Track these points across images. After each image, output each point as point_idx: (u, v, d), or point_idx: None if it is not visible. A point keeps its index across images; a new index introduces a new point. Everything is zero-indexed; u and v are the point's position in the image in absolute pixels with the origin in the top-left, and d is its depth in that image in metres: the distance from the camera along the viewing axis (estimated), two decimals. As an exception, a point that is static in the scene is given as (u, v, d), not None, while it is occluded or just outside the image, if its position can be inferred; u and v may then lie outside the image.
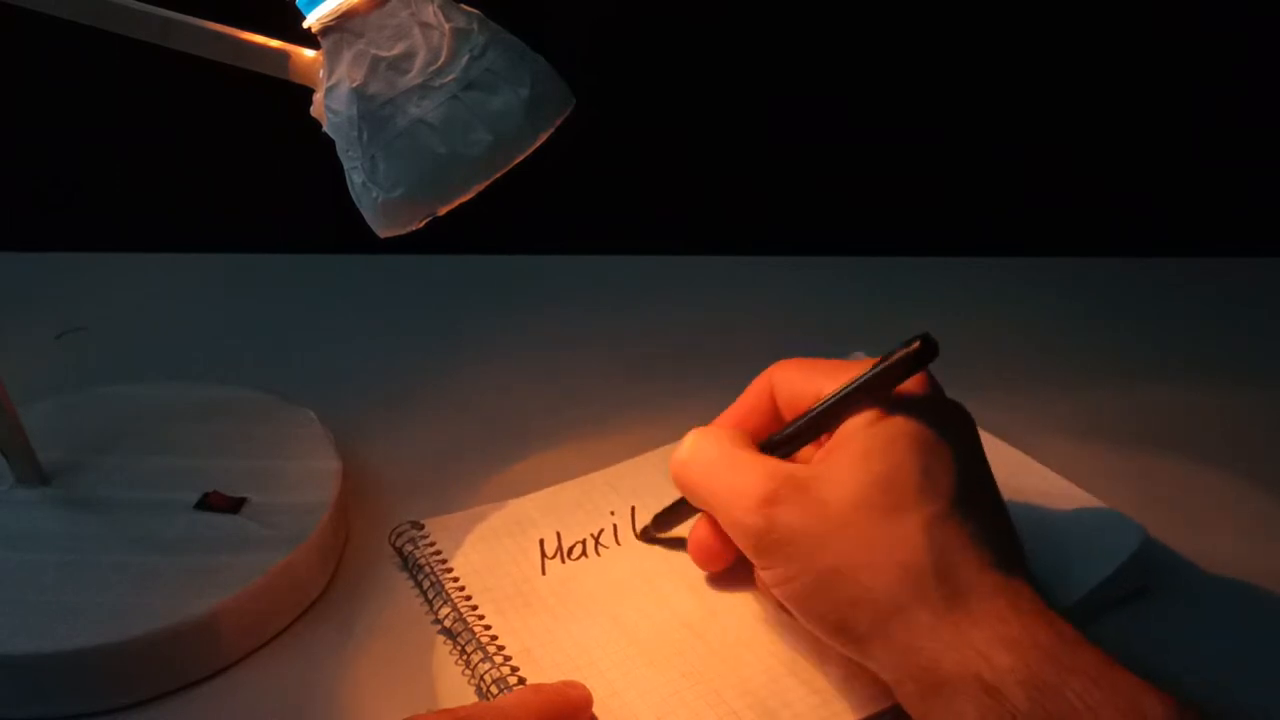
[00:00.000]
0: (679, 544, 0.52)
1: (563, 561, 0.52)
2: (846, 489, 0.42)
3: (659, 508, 0.55)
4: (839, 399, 0.45)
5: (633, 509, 0.55)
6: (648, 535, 0.54)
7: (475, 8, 0.47)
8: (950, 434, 0.44)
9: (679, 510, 0.52)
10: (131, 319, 0.75)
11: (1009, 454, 0.56)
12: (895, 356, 0.44)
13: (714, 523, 0.48)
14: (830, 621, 0.42)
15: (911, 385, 0.45)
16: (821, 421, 0.46)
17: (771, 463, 0.45)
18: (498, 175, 0.46)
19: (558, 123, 0.46)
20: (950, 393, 0.47)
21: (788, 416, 0.48)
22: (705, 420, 0.60)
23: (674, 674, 0.46)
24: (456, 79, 0.44)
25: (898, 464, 0.42)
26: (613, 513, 0.55)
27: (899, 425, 0.43)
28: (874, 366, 0.44)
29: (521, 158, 0.46)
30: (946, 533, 0.41)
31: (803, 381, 0.47)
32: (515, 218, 0.67)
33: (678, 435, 0.59)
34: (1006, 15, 0.76)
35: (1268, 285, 0.76)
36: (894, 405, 0.44)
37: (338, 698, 0.47)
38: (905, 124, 0.80)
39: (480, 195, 0.46)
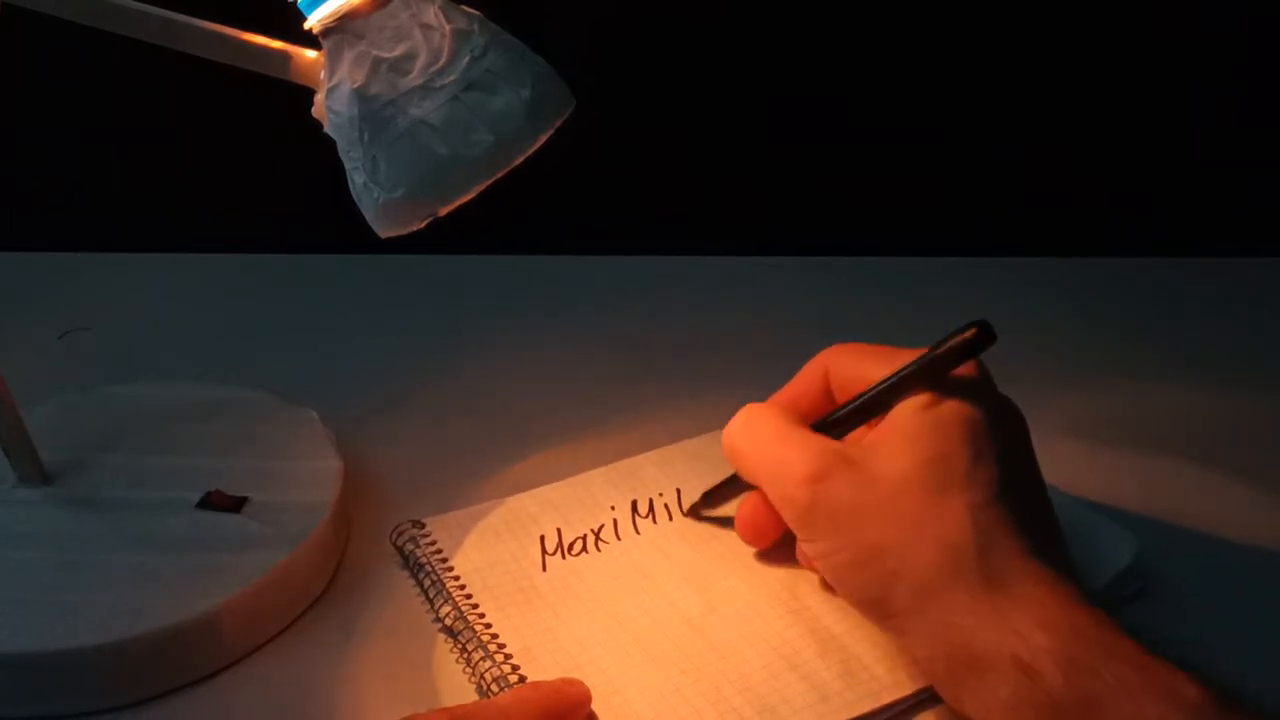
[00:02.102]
0: (723, 523, 0.54)
1: (563, 558, 0.52)
2: (895, 468, 0.43)
3: (659, 505, 0.55)
4: (892, 384, 0.46)
5: (678, 491, 0.56)
6: (695, 512, 0.54)
7: (475, 9, 0.47)
8: (999, 425, 0.45)
9: (728, 487, 0.53)
10: (132, 319, 0.75)
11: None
12: (950, 343, 0.44)
13: (762, 499, 0.49)
14: (869, 595, 0.43)
15: (964, 373, 0.45)
16: (873, 405, 0.46)
17: (822, 440, 0.46)
18: (498, 176, 0.46)
19: (558, 123, 0.47)
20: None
21: (840, 400, 0.49)
22: (706, 419, 0.61)
23: (674, 670, 0.46)
24: (457, 80, 0.44)
25: (947, 448, 0.43)
26: (613, 508, 0.55)
27: (951, 411, 0.44)
28: (928, 353, 0.45)
29: (522, 158, 0.46)
30: (990, 517, 0.42)
31: (856, 366, 0.48)
32: (515, 218, 0.67)
33: (678, 435, 0.60)
34: (1006, 15, 0.76)
35: (1268, 285, 0.77)
36: (946, 391, 0.44)
37: (338, 698, 0.47)
38: (905, 124, 0.80)
39: (480, 195, 0.46)
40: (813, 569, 0.48)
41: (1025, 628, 0.39)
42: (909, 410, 0.44)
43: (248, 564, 0.49)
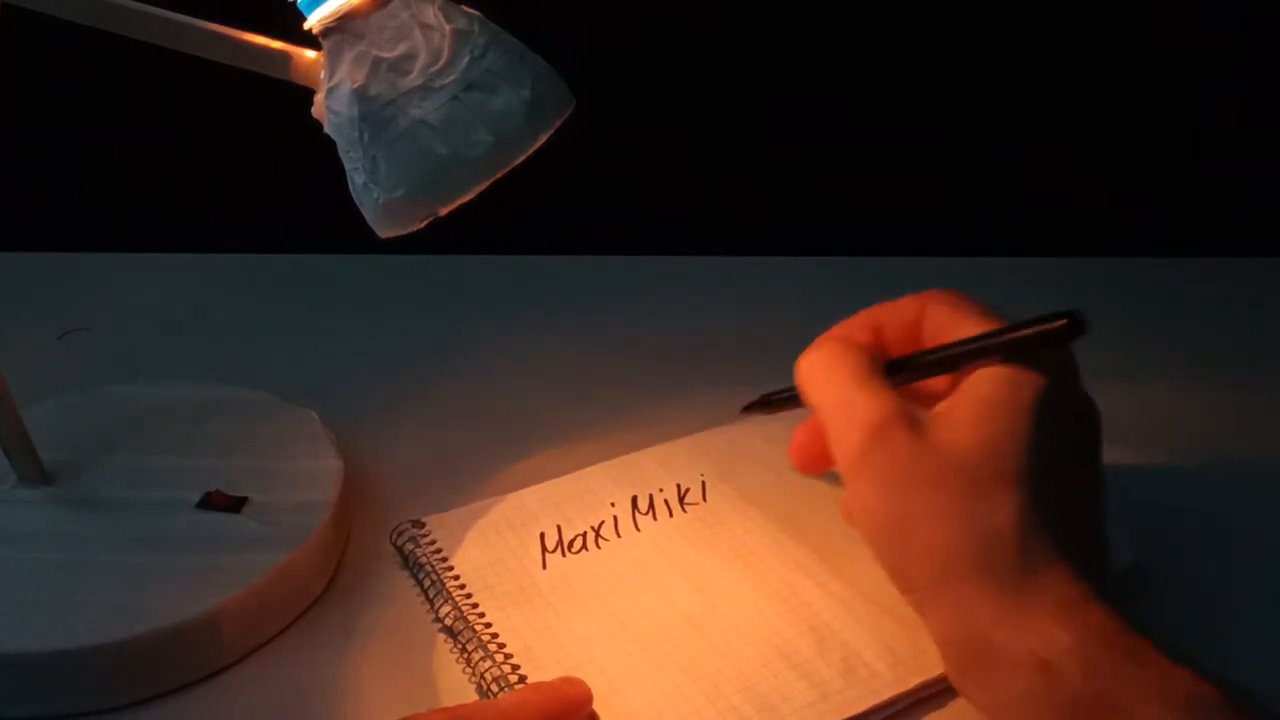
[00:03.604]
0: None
1: (563, 555, 0.52)
2: (957, 441, 0.42)
3: (660, 501, 0.55)
4: (975, 349, 0.44)
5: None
6: (750, 409, 0.55)
7: (475, 9, 0.47)
8: (1073, 423, 0.44)
9: (787, 400, 0.52)
10: (132, 319, 0.75)
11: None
12: (1039, 328, 0.43)
13: (818, 428, 0.47)
14: (897, 563, 0.42)
15: (1055, 359, 0.43)
16: (953, 361, 0.45)
17: (894, 395, 0.44)
18: (498, 176, 0.46)
19: (558, 123, 0.47)
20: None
21: (927, 343, 0.47)
22: (706, 418, 0.61)
23: (674, 669, 0.46)
24: (457, 80, 0.44)
25: (1014, 431, 0.41)
26: (613, 504, 0.55)
27: (1028, 394, 0.42)
28: (1017, 329, 0.43)
29: (522, 158, 0.46)
30: (1039, 515, 0.41)
31: (951, 317, 0.46)
32: (515, 218, 0.67)
33: (678, 434, 0.60)
34: (1006, 15, 0.76)
35: (1268, 285, 0.77)
36: (1031, 372, 0.43)
37: (338, 698, 0.47)
38: (905, 124, 0.80)
39: (480, 195, 0.46)
40: (851, 521, 0.45)
41: (1047, 625, 0.39)
42: (987, 383, 0.43)
43: (248, 564, 0.49)
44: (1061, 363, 0.44)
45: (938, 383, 0.46)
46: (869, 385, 0.44)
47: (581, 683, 0.45)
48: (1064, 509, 0.41)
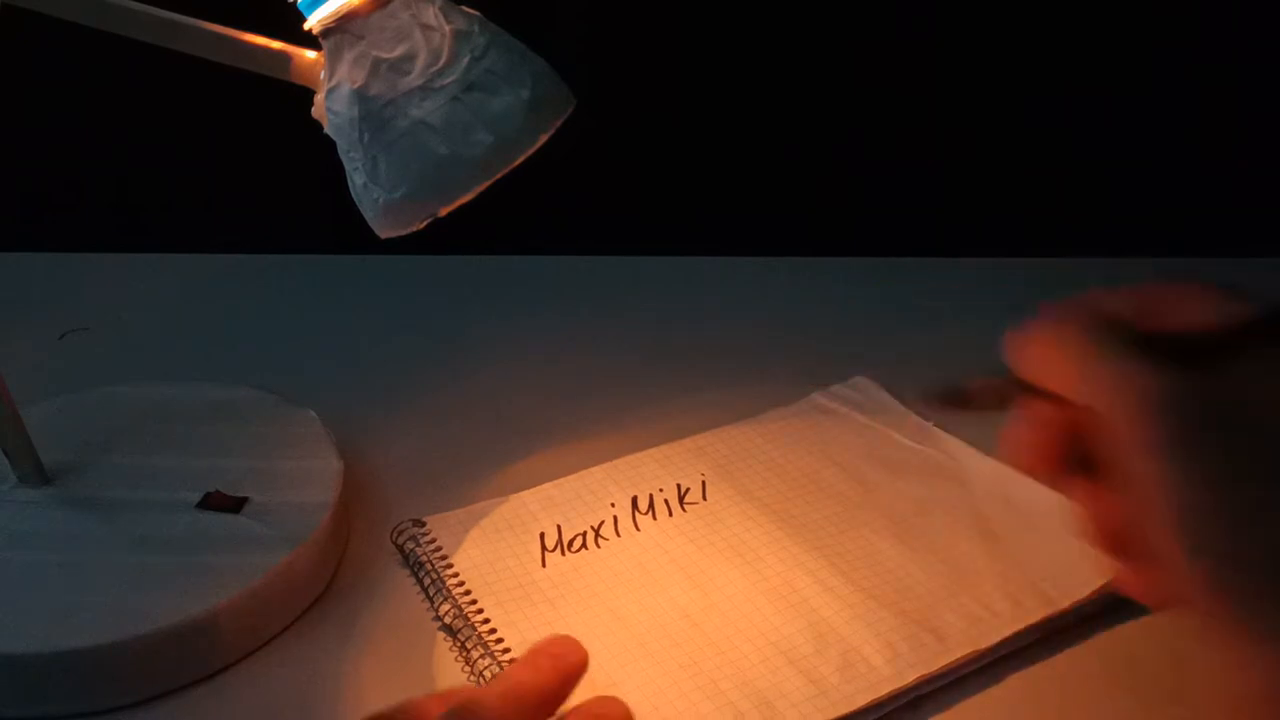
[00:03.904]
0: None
1: (563, 554, 0.52)
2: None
3: (660, 501, 0.55)
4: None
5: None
6: (947, 401, 0.42)
7: (476, 9, 0.47)
8: None
9: (997, 395, 0.42)
10: (132, 319, 0.75)
11: (999, 467, 0.56)
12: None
13: (1049, 419, 0.39)
14: (1253, 561, 0.31)
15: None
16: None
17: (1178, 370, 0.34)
18: (498, 176, 0.46)
19: (558, 124, 0.47)
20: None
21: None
22: (706, 418, 0.61)
23: (672, 665, 0.46)
24: (457, 80, 0.44)
25: None
26: (613, 504, 0.55)
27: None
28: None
29: (522, 158, 0.46)
30: None
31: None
32: (515, 218, 0.67)
33: (678, 434, 0.60)
34: (1006, 15, 0.76)
35: (1267, 285, 0.76)
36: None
37: (338, 698, 0.47)
38: (905, 124, 0.80)
39: (480, 195, 0.46)
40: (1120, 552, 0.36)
41: None
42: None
43: (248, 564, 0.49)
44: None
45: None
46: (1135, 359, 0.35)
47: (576, 646, 0.41)
48: None
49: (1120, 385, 0.35)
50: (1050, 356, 0.38)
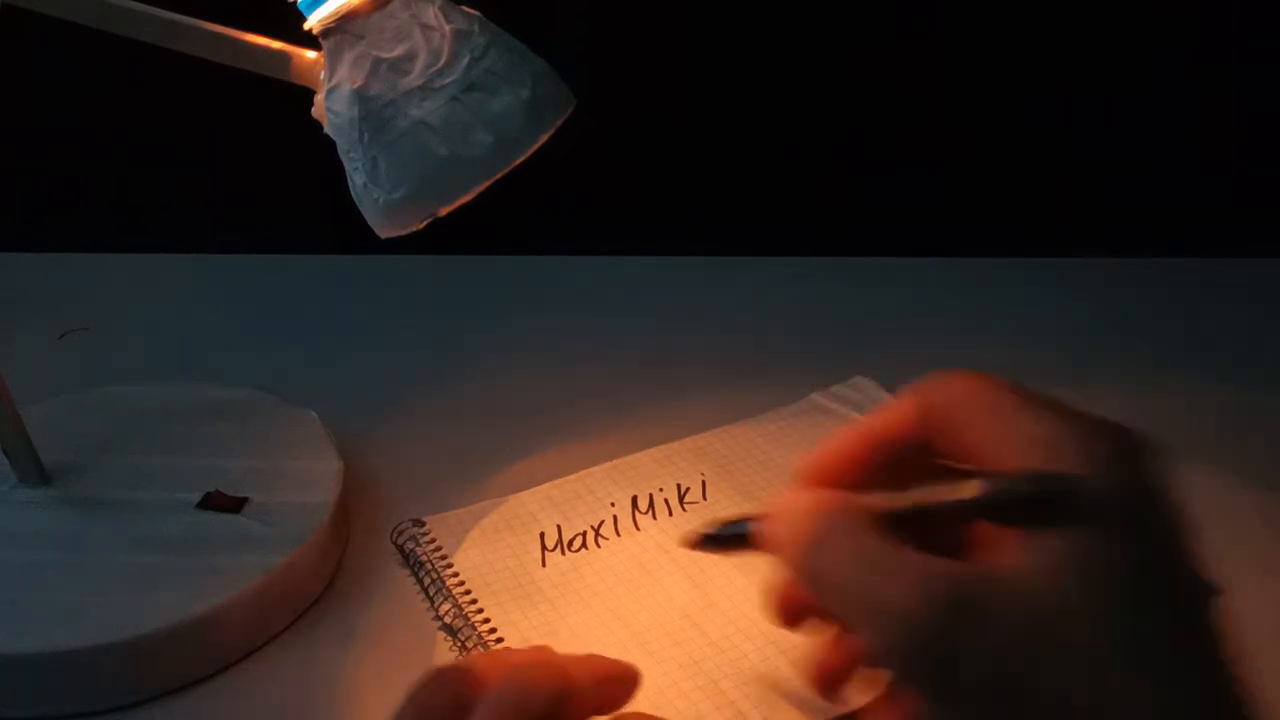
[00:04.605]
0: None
1: (563, 554, 0.53)
2: (1043, 602, 0.31)
3: (660, 501, 0.55)
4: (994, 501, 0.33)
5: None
6: (697, 546, 0.42)
7: (476, 9, 0.47)
8: (1172, 552, 0.34)
9: (743, 543, 0.40)
10: (131, 319, 0.75)
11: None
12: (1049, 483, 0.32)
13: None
14: None
15: (1138, 474, 0.34)
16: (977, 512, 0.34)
17: (932, 568, 0.32)
18: (498, 176, 0.46)
19: (558, 124, 0.47)
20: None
21: (947, 449, 0.35)
22: (706, 418, 0.61)
23: (672, 665, 0.46)
24: (457, 80, 0.44)
25: (1115, 606, 0.31)
26: (613, 504, 0.55)
27: (1121, 544, 0.32)
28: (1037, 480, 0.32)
29: (522, 158, 0.46)
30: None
31: (976, 414, 0.35)
32: (515, 218, 0.67)
33: (678, 434, 0.60)
34: (1006, 15, 0.76)
35: (1268, 285, 0.77)
36: (1114, 505, 0.32)
37: (338, 698, 0.47)
38: (905, 124, 0.80)
39: (480, 195, 0.46)
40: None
41: None
42: (1045, 557, 0.31)
43: (248, 564, 0.49)
44: (1151, 487, 0.34)
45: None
46: (886, 563, 0.33)
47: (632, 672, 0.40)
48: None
49: (870, 616, 0.33)
50: (788, 541, 0.36)
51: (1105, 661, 0.30)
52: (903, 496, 0.35)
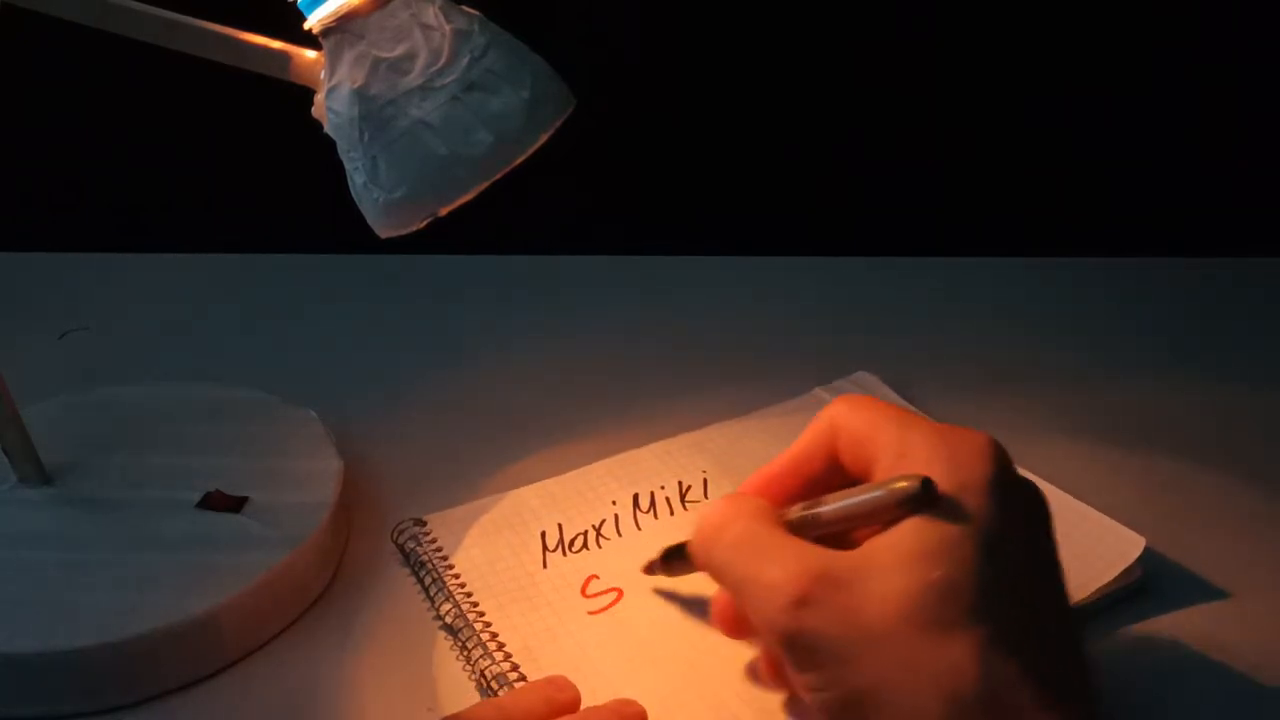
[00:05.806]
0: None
1: (564, 554, 0.52)
2: (892, 595, 0.36)
3: (660, 498, 0.55)
4: (870, 503, 0.39)
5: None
6: (652, 571, 0.49)
7: (476, 9, 0.47)
8: (1021, 534, 0.39)
9: (688, 563, 0.46)
10: (132, 319, 0.75)
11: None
12: (889, 494, 0.38)
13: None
14: None
15: (978, 470, 0.38)
16: (861, 515, 0.39)
17: (806, 553, 0.38)
18: (498, 176, 0.46)
19: (558, 123, 0.47)
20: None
21: (849, 465, 0.42)
22: (705, 417, 0.61)
23: (673, 669, 0.46)
24: (457, 80, 0.44)
25: (956, 573, 0.36)
26: (614, 502, 0.55)
27: (962, 525, 0.37)
28: (894, 488, 0.38)
29: (522, 158, 0.46)
30: (1000, 660, 0.36)
31: (867, 429, 0.41)
32: (515, 218, 0.67)
33: (678, 432, 0.60)
34: (1006, 15, 0.76)
35: (1268, 285, 0.77)
36: (958, 497, 0.38)
37: (338, 698, 0.47)
38: (905, 124, 0.80)
39: (480, 195, 0.46)
40: (799, 695, 0.40)
41: None
42: (911, 537, 0.37)
43: (248, 564, 0.49)
44: (988, 472, 0.39)
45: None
46: (775, 551, 0.39)
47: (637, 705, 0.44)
48: (1030, 640, 0.37)
49: (754, 594, 0.39)
50: (704, 546, 0.42)
51: (939, 622, 0.36)
52: (809, 504, 0.41)
